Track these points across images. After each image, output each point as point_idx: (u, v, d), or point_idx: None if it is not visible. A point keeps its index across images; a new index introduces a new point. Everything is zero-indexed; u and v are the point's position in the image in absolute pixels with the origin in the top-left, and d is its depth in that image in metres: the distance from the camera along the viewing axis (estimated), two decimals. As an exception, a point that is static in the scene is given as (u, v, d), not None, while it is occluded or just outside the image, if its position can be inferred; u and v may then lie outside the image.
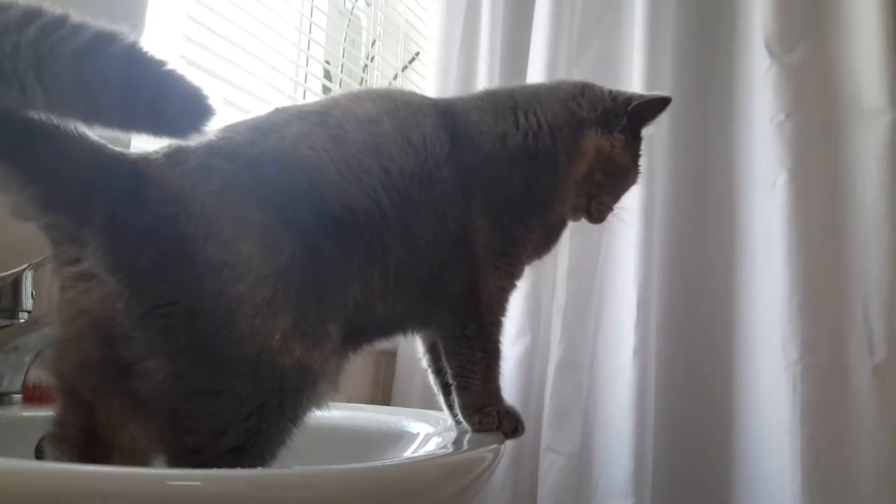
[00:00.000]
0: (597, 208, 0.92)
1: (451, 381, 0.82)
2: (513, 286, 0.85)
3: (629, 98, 0.92)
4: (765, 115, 1.49)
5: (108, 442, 0.63)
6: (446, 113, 0.82)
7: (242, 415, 0.59)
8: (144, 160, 0.62)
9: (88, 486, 0.40)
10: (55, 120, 0.57)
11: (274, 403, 0.60)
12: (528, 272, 1.59)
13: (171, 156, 0.63)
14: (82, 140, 0.59)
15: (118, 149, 0.62)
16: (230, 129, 0.68)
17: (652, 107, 0.93)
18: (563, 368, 1.58)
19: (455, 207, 0.78)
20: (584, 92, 0.91)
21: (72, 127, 0.59)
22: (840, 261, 1.41)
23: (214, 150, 0.64)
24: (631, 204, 1.55)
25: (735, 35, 1.63)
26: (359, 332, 0.73)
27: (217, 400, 0.59)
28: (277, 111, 0.74)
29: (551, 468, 1.54)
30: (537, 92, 0.91)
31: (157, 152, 0.63)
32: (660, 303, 1.57)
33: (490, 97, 0.89)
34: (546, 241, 0.90)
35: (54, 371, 0.64)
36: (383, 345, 0.87)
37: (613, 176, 0.91)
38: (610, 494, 1.48)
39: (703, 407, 1.52)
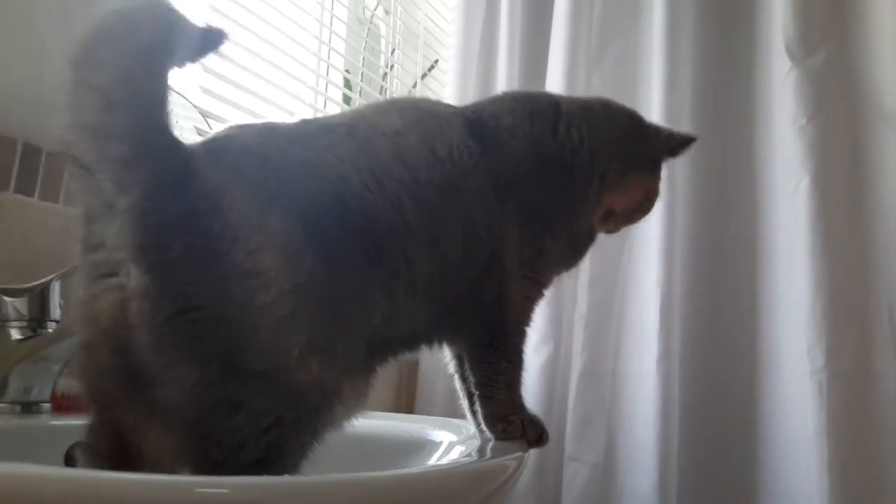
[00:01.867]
0: (609, 230, 0.94)
1: (474, 390, 0.81)
2: (540, 295, 0.85)
3: (669, 136, 0.95)
4: (786, 119, 1.47)
5: (137, 450, 0.62)
6: (475, 121, 0.81)
7: (262, 428, 0.58)
8: (191, 154, 0.61)
9: (116, 493, 0.40)
10: (151, 73, 0.58)
11: (290, 419, 0.59)
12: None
13: (212, 151, 0.63)
14: (159, 106, 0.58)
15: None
16: (267, 132, 0.68)
17: (684, 145, 0.96)
18: (586, 377, 1.58)
19: (487, 216, 0.77)
20: (640, 130, 0.93)
21: (161, 89, 0.58)
22: (864, 265, 1.39)
23: (249, 151, 0.64)
24: (653, 210, 1.55)
25: (755, 38, 1.62)
26: (384, 346, 0.73)
27: (239, 412, 0.58)
28: (306, 122, 0.74)
29: (575, 478, 1.53)
30: (587, 109, 0.89)
31: (201, 146, 0.63)
32: (683, 310, 1.56)
33: (527, 101, 0.88)
34: (573, 252, 0.90)
35: (80, 376, 0.63)
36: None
37: (643, 211, 0.95)
38: (635, 503, 1.47)
39: (727, 415, 1.51)
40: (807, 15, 1.50)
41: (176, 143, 0.59)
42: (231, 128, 0.69)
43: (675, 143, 0.94)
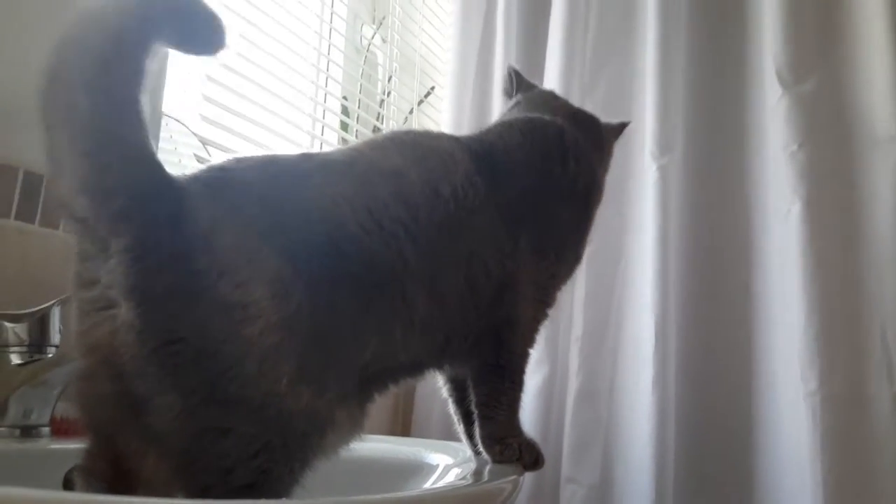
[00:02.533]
0: None
1: (474, 409, 0.82)
2: (545, 317, 0.87)
3: (612, 128, 1.06)
4: (777, 145, 1.49)
5: (134, 474, 0.63)
6: (483, 155, 0.82)
7: (250, 453, 0.59)
8: (188, 188, 0.62)
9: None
10: (132, 126, 0.58)
11: (279, 444, 0.60)
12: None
13: (211, 186, 0.63)
14: (150, 155, 0.59)
15: (170, 173, 0.62)
16: (266, 168, 0.69)
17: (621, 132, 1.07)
18: (583, 398, 1.58)
19: (497, 250, 0.78)
20: (598, 130, 1.01)
21: (143, 137, 0.59)
22: (857, 289, 1.41)
23: (247, 189, 0.64)
24: (647, 233, 1.57)
25: (747, 65, 1.64)
26: (382, 376, 0.73)
27: (225, 438, 0.58)
28: (305, 157, 0.74)
29: (572, 499, 1.53)
30: (580, 139, 0.94)
31: (197, 181, 0.64)
32: (678, 332, 1.57)
33: (535, 133, 0.90)
34: (570, 274, 0.92)
35: (77, 405, 0.64)
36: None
37: None
38: (631, 526, 1.47)
39: (723, 437, 1.51)
40: (797, 42, 1.52)
41: (166, 183, 0.60)
42: (231, 161, 0.69)
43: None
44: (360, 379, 0.68)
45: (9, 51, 1.02)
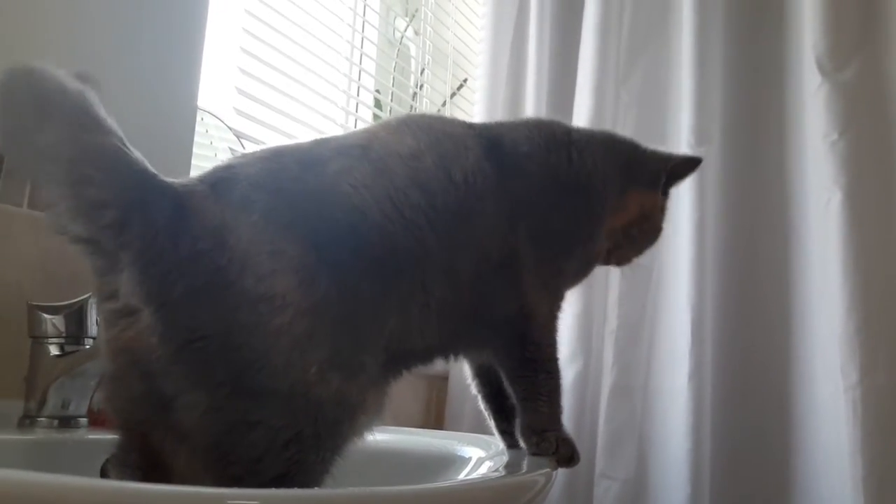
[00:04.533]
0: (617, 258, 0.95)
1: (517, 402, 0.82)
2: (560, 309, 0.86)
3: (668, 158, 0.96)
4: (817, 134, 1.46)
5: (167, 467, 0.64)
6: (492, 142, 0.82)
7: (279, 444, 0.59)
8: (189, 191, 0.62)
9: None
10: (109, 137, 0.59)
11: (310, 434, 0.60)
12: (580, 296, 1.60)
13: (216, 186, 0.63)
14: (132, 161, 0.59)
15: (166, 178, 0.62)
16: (276, 159, 0.68)
17: (686, 167, 0.97)
18: (617, 393, 1.57)
19: (498, 238, 0.78)
20: (639, 153, 0.95)
21: (126, 149, 0.59)
22: (898, 280, 1.37)
23: (259, 182, 0.64)
24: (683, 226, 1.55)
25: (785, 53, 1.61)
26: (397, 360, 0.73)
27: (254, 431, 0.59)
28: (318, 143, 0.73)
29: (606, 494, 1.52)
30: (592, 138, 0.92)
31: (202, 182, 0.64)
32: (714, 325, 1.55)
33: (543, 130, 0.89)
34: (580, 272, 0.91)
35: (108, 407, 0.65)
36: (434, 369, 0.87)
37: (646, 232, 0.95)
38: (666, 520, 1.46)
39: (760, 431, 1.49)
40: (837, 29, 1.49)
41: (158, 187, 0.61)
42: (235, 158, 0.70)
43: (674, 163, 0.95)
44: (384, 361, 0.69)
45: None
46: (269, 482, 0.58)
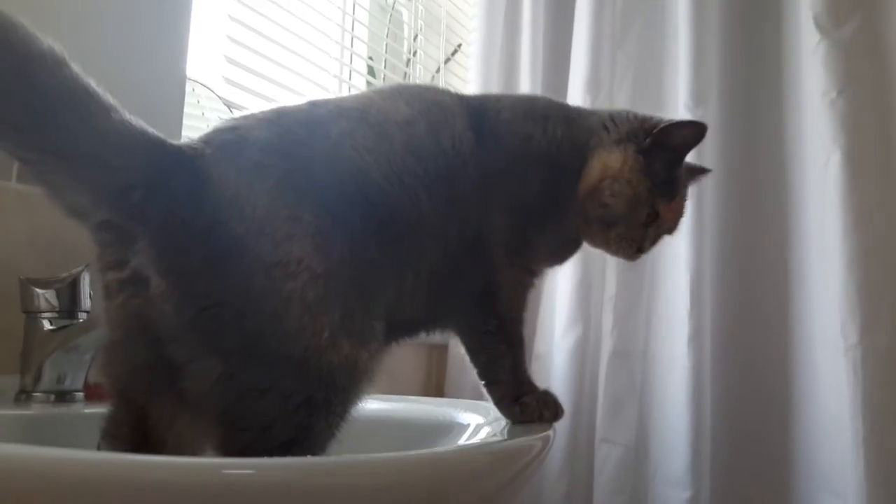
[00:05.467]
0: (616, 241, 0.84)
1: (478, 379, 0.81)
2: (531, 284, 0.84)
3: (658, 121, 0.85)
4: (815, 93, 1.44)
5: (158, 440, 0.64)
6: (476, 111, 0.81)
7: (290, 409, 0.60)
8: (200, 155, 0.61)
9: (146, 476, 0.41)
10: (115, 114, 0.58)
11: (321, 399, 0.61)
12: (578, 263, 1.59)
13: (225, 149, 0.63)
14: (143, 134, 0.59)
15: (176, 142, 0.62)
16: (279, 120, 0.68)
17: (683, 132, 0.84)
18: (616, 359, 1.57)
19: (476, 204, 0.77)
20: (614, 116, 0.86)
21: (131, 120, 0.59)
22: (898, 240, 1.37)
23: (269, 146, 0.64)
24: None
25: (782, 11, 1.59)
26: (390, 330, 0.72)
27: (265, 397, 0.59)
28: (314, 104, 0.73)
29: (607, 459, 1.53)
30: (576, 112, 0.89)
31: (209, 144, 0.63)
32: (713, 289, 1.54)
33: (526, 102, 0.89)
34: (560, 250, 0.88)
35: (106, 374, 0.65)
36: (433, 339, 0.87)
37: (627, 202, 0.82)
38: (668, 484, 1.46)
39: (760, 395, 1.49)
40: (835, -14, 1.46)
41: (174, 156, 0.61)
42: (238, 119, 0.69)
43: (666, 128, 0.83)
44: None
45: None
46: (277, 448, 0.59)
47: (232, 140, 0.64)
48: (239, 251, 0.59)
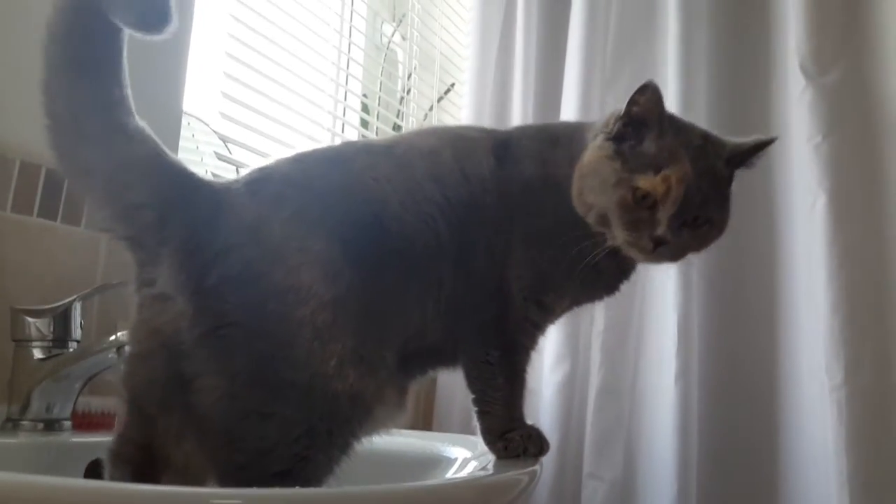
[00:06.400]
0: (625, 236, 0.75)
1: (472, 405, 0.80)
2: (544, 320, 0.82)
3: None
4: (801, 137, 1.47)
5: (163, 461, 0.65)
6: (502, 141, 0.83)
7: (290, 438, 0.60)
8: (226, 189, 0.67)
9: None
10: (151, 146, 0.65)
11: (323, 429, 0.62)
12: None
13: (251, 185, 0.68)
14: (163, 162, 0.65)
15: (205, 178, 0.68)
16: (304, 159, 0.73)
17: (639, 98, 0.79)
18: (605, 394, 1.57)
19: (500, 234, 0.77)
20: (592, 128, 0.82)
21: (165, 154, 0.65)
22: (883, 282, 1.38)
23: (290, 180, 0.69)
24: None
25: (769, 57, 1.62)
26: (412, 360, 0.74)
27: (267, 422, 0.60)
28: (347, 144, 0.79)
29: (594, 495, 1.52)
30: (588, 126, 0.84)
31: (237, 181, 0.69)
32: (701, 327, 1.55)
33: (548, 127, 0.92)
34: (585, 282, 0.81)
35: (125, 385, 0.67)
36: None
37: (598, 188, 0.76)
38: (654, 521, 1.46)
39: (746, 432, 1.49)
40: (820, 33, 1.49)
41: (195, 186, 0.66)
42: (271, 162, 0.74)
43: (617, 112, 0.78)
44: (400, 358, 0.70)
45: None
46: (272, 478, 0.59)
47: (259, 177, 0.69)
48: (254, 275, 0.62)
